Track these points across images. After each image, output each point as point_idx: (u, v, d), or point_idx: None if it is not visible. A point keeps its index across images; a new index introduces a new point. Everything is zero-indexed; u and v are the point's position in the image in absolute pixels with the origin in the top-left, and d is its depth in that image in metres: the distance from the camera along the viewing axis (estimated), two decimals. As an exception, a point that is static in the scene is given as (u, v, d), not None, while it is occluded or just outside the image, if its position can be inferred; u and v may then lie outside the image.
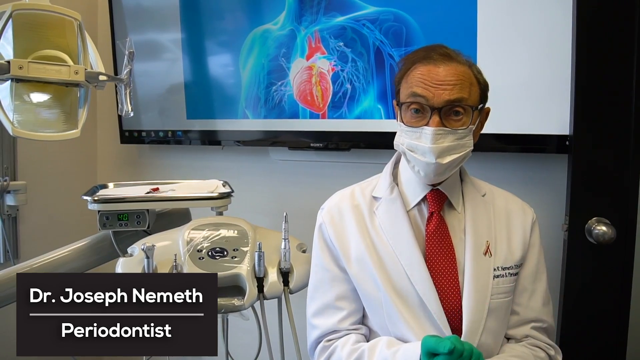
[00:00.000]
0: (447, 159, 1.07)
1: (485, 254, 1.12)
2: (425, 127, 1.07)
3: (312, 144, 1.94)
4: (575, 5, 1.47)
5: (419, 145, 1.08)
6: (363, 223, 1.18)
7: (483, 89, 1.13)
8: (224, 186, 1.73)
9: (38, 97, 1.26)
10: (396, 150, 1.18)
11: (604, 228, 1.44)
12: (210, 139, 2.16)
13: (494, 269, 1.12)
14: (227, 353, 1.74)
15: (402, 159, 1.21)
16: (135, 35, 2.21)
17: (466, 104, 1.07)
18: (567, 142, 1.54)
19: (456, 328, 1.09)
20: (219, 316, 1.60)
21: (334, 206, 1.22)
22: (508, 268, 1.14)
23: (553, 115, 1.58)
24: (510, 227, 1.18)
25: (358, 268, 1.15)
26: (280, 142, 2.03)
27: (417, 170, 1.11)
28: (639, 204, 1.48)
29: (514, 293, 1.17)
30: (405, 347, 1.05)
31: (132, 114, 1.41)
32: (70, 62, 1.20)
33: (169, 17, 2.13)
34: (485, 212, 1.18)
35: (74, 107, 1.25)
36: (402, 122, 1.11)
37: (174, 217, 1.76)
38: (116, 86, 1.43)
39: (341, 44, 1.84)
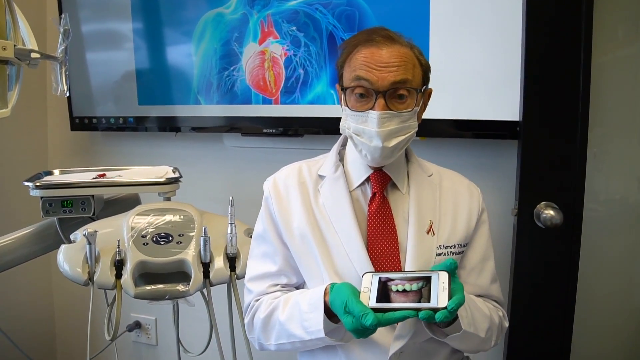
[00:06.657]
0: (392, 142, 1.07)
1: (428, 232, 1.13)
2: (371, 111, 1.06)
3: (264, 130, 1.91)
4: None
5: (365, 129, 1.07)
6: (308, 200, 1.17)
7: (425, 70, 1.12)
8: (174, 172, 1.69)
9: (-33, 75, 1.19)
10: None
11: (551, 212, 1.47)
12: (162, 125, 2.11)
13: (437, 247, 1.13)
14: (178, 340, 1.71)
15: (349, 141, 1.20)
16: (87, 23, 2.15)
17: (410, 86, 1.07)
18: (518, 128, 1.56)
19: None
20: (169, 303, 1.56)
21: (281, 181, 1.21)
22: (451, 247, 1.14)
23: (505, 102, 1.59)
24: (456, 208, 1.19)
25: (300, 244, 1.15)
26: (234, 129, 2.00)
27: (364, 154, 1.11)
28: (585, 189, 1.50)
29: (462, 273, 1.17)
30: (314, 289, 1.08)
31: (67, 94, 1.36)
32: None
33: (120, 1, 2.07)
34: (431, 192, 1.18)
35: (6, 86, 1.19)
36: (347, 106, 1.10)
37: (123, 204, 1.72)
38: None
39: (294, 28, 1.81)
